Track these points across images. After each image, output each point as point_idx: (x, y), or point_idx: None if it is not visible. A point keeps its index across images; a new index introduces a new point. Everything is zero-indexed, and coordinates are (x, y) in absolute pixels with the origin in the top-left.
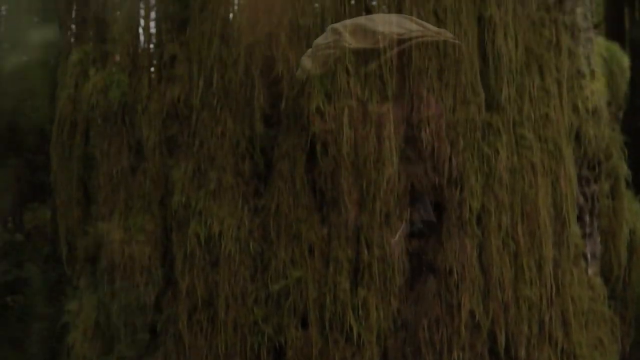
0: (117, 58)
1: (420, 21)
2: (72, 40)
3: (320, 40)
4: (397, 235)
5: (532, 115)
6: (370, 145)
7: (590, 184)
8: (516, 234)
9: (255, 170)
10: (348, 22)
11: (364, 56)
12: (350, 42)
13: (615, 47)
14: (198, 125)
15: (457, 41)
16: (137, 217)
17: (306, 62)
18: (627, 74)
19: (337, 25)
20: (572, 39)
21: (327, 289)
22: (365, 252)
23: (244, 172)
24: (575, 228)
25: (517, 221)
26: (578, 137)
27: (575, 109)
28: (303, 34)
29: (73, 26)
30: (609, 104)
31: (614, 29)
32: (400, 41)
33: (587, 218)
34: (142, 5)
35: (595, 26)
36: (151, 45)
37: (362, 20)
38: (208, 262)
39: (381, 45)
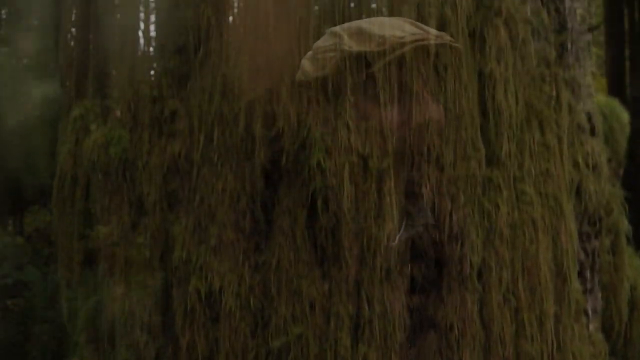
0: (118, 114)
1: (420, 24)
2: (73, 95)
3: (320, 43)
4: (397, 238)
5: (533, 171)
6: (370, 201)
7: (591, 240)
8: (517, 289)
9: (255, 226)
10: (347, 25)
11: (365, 60)
12: (350, 45)
13: (615, 102)
14: (199, 180)
15: (457, 44)
16: (137, 273)
17: (306, 64)
18: (627, 129)
19: (337, 28)
20: (572, 95)
21: (328, 345)
22: (366, 307)
23: (245, 227)
24: (576, 284)
25: (517, 276)
26: (579, 193)
27: (575, 164)
28: (304, 90)
29: (74, 82)
30: (609, 160)
31: (613, 30)
32: (401, 44)
33: (587, 274)
34: (143, 61)
35: (595, 27)
36: (152, 101)
37: (361, 23)
38: (208, 318)
39: (381, 49)
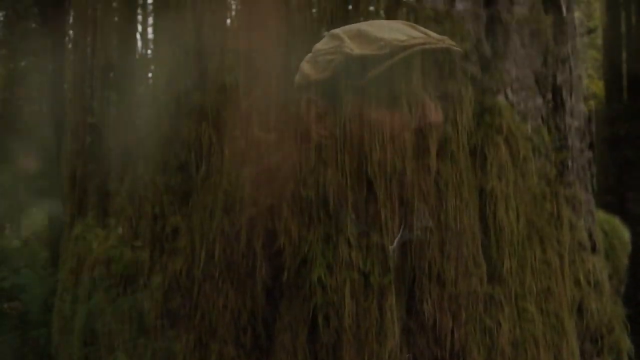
0: (120, 231)
1: (421, 28)
2: (75, 213)
3: (320, 46)
4: (395, 241)
5: (534, 288)
6: (372, 317)
7: (592, 358)
8: None
9: (256, 342)
10: (347, 27)
11: (365, 63)
12: (352, 47)
13: (616, 220)
14: (200, 297)
15: (458, 49)
16: None
17: (306, 67)
18: (629, 247)
19: (337, 30)
20: (573, 212)
21: None
22: None
23: (246, 343)
24: None
25: None
26: (580, 311)
27: (577, 282)
28: (305, 206)
29: (75, 200)
30: (611, 277)
31: (611, 33)
32: (403, 47)
33: None
34: (144, 177)
35: (593, 30)
36: (154, 218)
37: (363, 26)
38: None
39: (383, 52)
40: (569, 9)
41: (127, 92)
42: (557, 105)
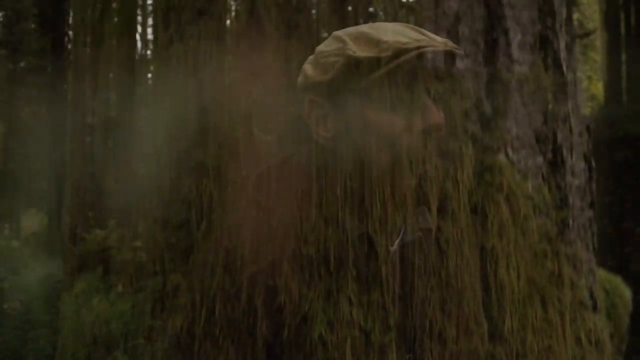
0: (120, 288)
1: (424, 31)
2: (75, 271)
3: (322, 48)
4: (396, 243)
5: (535, 347)
6: None
7: None
8: None
9: None
10: (350, 29)
11: (368, 65)
12: (354, 50)
13: (617, 279)
14: (200, 354)
15: (460, 51)
16: None
17: (308, 69)
18: (630, 306)
19: (340, 32)
20: (574, 271)
21: None
22: None
23: None
24: None
25: None
26: None
27: (578, 340)
28: (306, 263)
29: (76, 257)
30: (612, 336)
31: (610, 35)
32: (405, 50)
33: None
34: (145, 234)
35: (592, 32)
36: (154, 275)
37: (365, 28)
38: None
39: (386, 54)
40: (569, 68)
41: (128, 149)
42: (558, 163)
